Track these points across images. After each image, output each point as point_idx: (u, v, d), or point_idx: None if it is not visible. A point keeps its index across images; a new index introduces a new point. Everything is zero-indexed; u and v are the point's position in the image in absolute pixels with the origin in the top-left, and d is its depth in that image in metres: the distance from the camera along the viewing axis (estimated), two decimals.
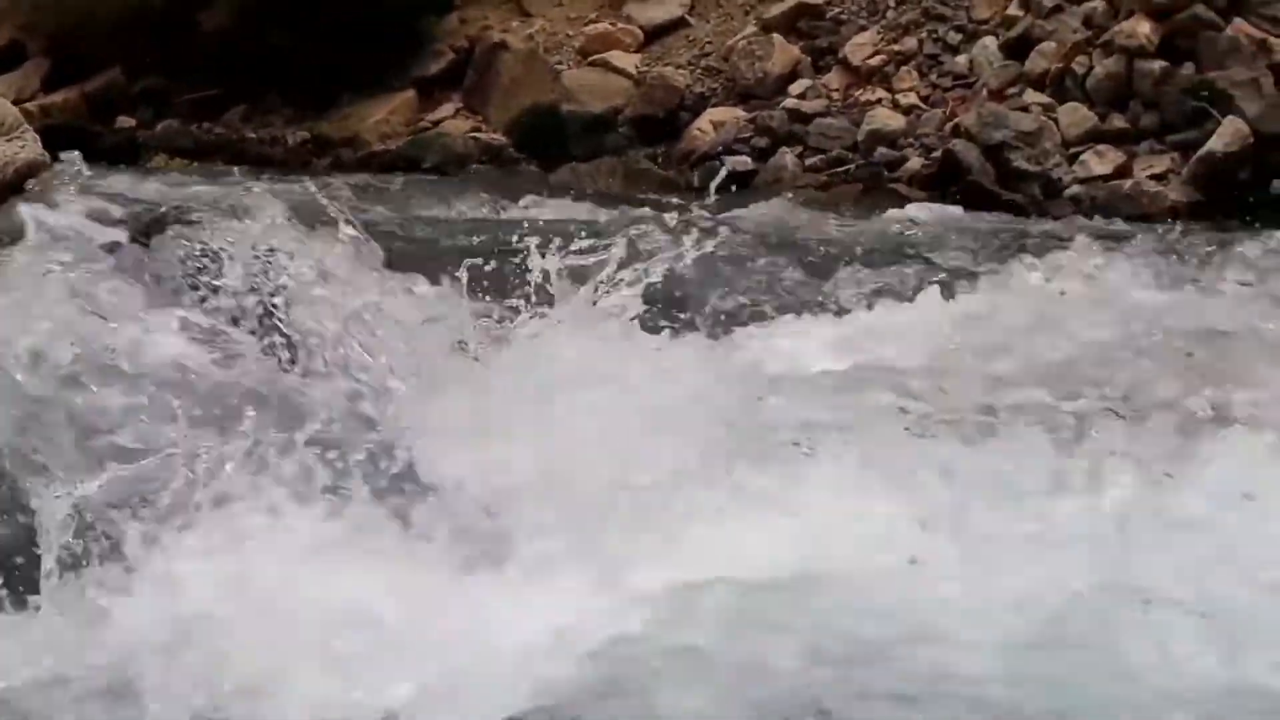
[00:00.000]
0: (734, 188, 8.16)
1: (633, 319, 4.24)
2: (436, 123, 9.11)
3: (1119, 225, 6.96)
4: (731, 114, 8.60)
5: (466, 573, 3.09)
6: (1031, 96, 7.75)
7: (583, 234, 5.81)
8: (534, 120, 8.91)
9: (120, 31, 9.39)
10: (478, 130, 9.01)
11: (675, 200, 7.95)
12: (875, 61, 8.46)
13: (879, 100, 8.26)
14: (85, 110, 9.55)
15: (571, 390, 3.80)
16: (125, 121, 9.67)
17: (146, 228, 4.49)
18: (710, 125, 8.58)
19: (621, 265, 4.70)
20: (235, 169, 8.29)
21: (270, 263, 4.72)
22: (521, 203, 7.49)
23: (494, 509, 3.42)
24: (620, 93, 8.83)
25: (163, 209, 4.90)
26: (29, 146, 7.21)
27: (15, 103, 8.24)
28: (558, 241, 5.88)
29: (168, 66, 9.61)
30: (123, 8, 9.27)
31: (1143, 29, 7.42)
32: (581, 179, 8.57)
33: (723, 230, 5.97)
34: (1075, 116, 7.58)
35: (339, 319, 4.61)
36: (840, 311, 5.07)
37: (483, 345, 4.41)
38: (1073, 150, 7.57)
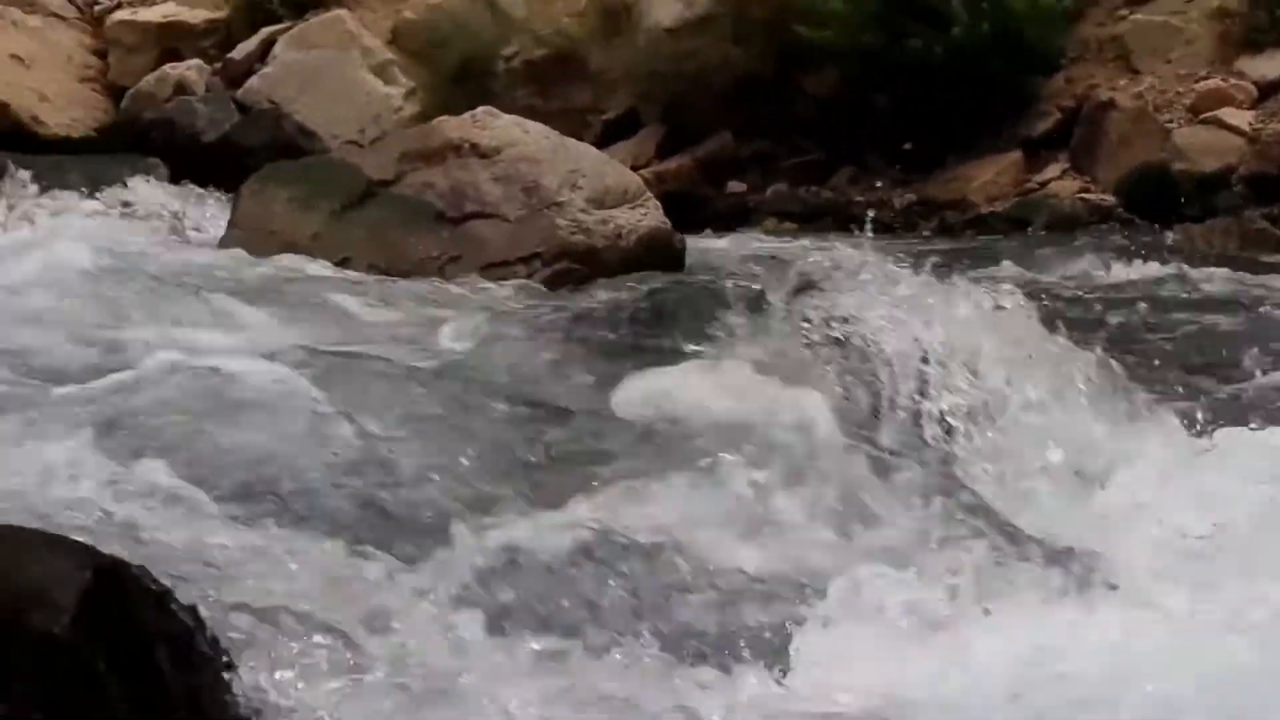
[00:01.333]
0: None
1: None
2: (1043, 183, 9.35)
3: None
4: None
5: None
6: None
7: None
8: (1144, 179, 9.07)
9: (730, 97, 10.00)
10: (1086, 190, 9.21)
11: None
12: None
13: None
14: (698, 176, 10.20)
15: None
16: (735, 186, 10.25)
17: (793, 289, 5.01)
18: None
19: None
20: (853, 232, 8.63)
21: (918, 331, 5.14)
22: (1159, 265, 8.00)
23: None
24: (1233, 150, 8.89)
25: (803, 271, 5.35)
26: (651, 214, 8.04)
27: (632, 169, 9.07)
28: None
29: (774, 131, 10.18)
30: (734, 75, 9.91)
31: None
32: (1194, 240, 8.65)
33: None
34: None
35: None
36: None
37: None
38: None
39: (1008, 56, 9.83)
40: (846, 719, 3.15)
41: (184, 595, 3.19)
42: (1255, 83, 9.39)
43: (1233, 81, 9.49)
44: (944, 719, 3.13)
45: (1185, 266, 7.91)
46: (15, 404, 4.56)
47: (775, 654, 3.29)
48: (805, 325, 5.06)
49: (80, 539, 3.27)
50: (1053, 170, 9.73)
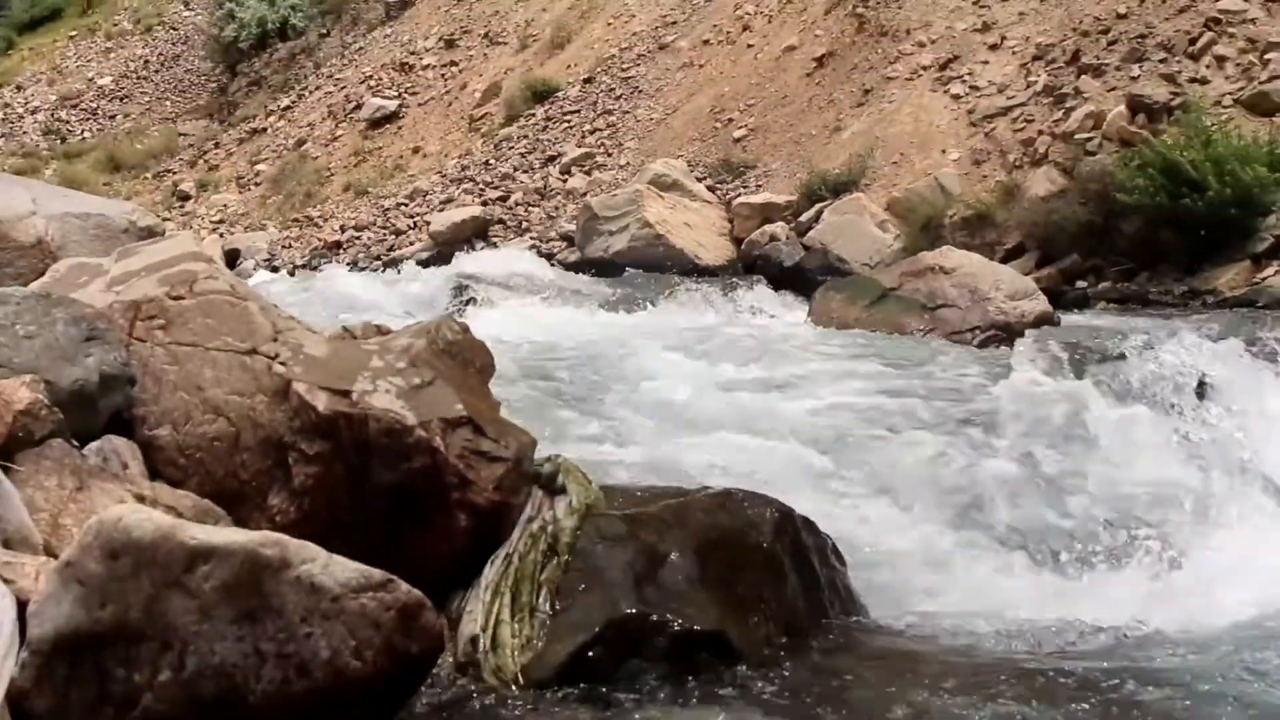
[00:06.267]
0: None
1: None
2: (1263, 279, 11.26)
3: None
4: None
5: None
6: None
7: None
8: None
9: (1076, 235, 12.02)
10: None
11: None
12: None
13: None
14: (1059, 280, 11.89)
15: None
16: (1080, 285, 11.95)
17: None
18: None
19: None
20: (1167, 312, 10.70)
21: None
22: None
23: None
24: None
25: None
26: (1040, 303, 9.80)
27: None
28: None
29: (1103, 253, 12.05)
30: (1079, 222, 12.01)
31: None
32: None
33: None
34: None
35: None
36: None
37: None
38: None
39: (1241, 207, 11.72)
40: None
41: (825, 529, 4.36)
42: None
43: None
44: None
45: None
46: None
47: None
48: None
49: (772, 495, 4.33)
50: (1270, 271, 11.55)
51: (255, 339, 4.33)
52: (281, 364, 4.22)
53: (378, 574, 3.38)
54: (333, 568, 3.27)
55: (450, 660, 4.03)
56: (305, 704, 3.29)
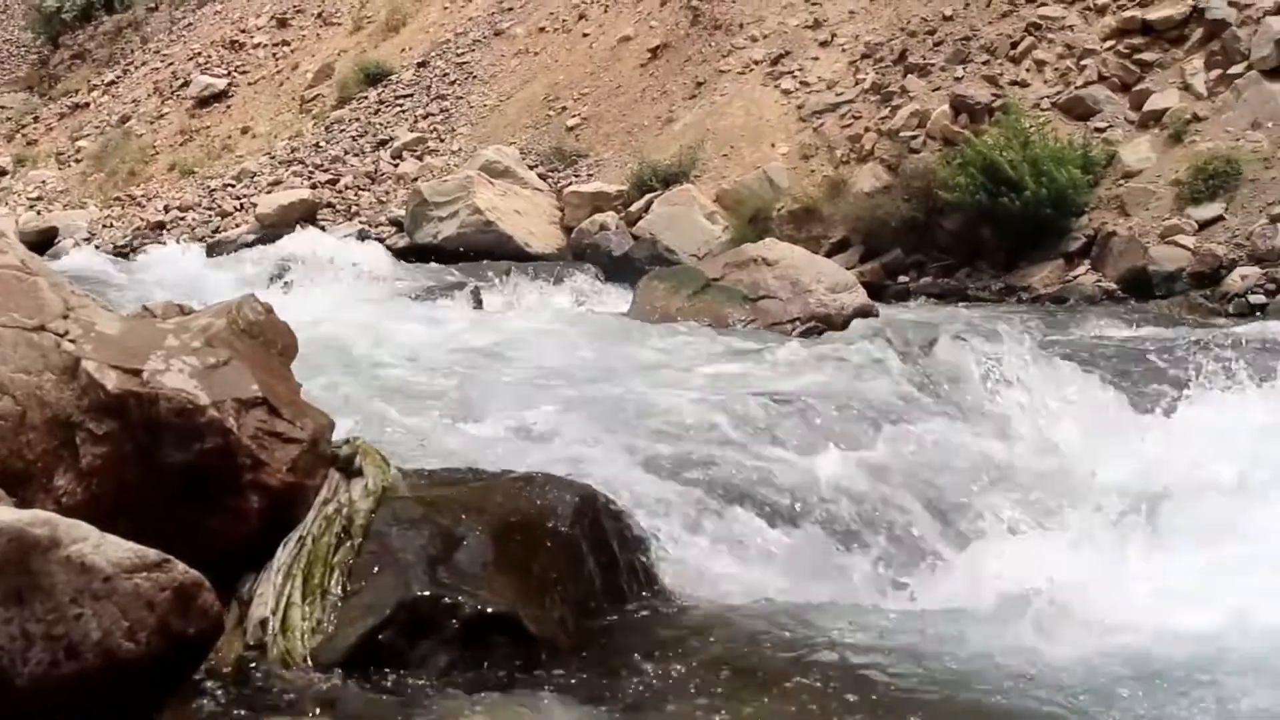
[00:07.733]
0: (1256, 313, 10.92)
1: None
2: (1075, 277, 12.62)
3: None
4: (1252, 270, 11.59)
5: None
6: None
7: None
8: (1133, 275, 12.27)
9: (900, 230, 13.22)
10: (1100, 280, 12.54)
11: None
12: None
13: None
14: (882, 274, 13.11)
15: None
16: (902, 279, 13.15)
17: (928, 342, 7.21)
18: (1239, 277, 11.68)
19: None
20: (965, 306, 11.77)
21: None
22: (1125, 325, 10.50)
23: None
24: (1183, 259, 12.23)
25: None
26: (859, 295, 10.28)
27: (846, 270, 11.70)
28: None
29: (924, 249, 13.28)
30: (903, 219, 13.11)
31: None
32: (1161, 309, 11.71)
33: None
34: None
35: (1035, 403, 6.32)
36: None
37: None
38: None
39: (1055, 207, 12.66)
40: None
41: (624, 506, 4.37)
42: (1196, 221, 12.53)
43: (1184, 220, 12.48)
44: None
45: (1155, 326, 10.52)
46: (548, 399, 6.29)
47: None
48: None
49: (570, 477, 4.37)
50: (1080, 269, 12.59)
51: (44, 315, 4.18)
52: (71, 341, 4.10)
53: (153, 554, 3.36)
54: (105, 547, 3.24)
55: (239, 643, 3.96)
56: (75, 686, 3.23)
